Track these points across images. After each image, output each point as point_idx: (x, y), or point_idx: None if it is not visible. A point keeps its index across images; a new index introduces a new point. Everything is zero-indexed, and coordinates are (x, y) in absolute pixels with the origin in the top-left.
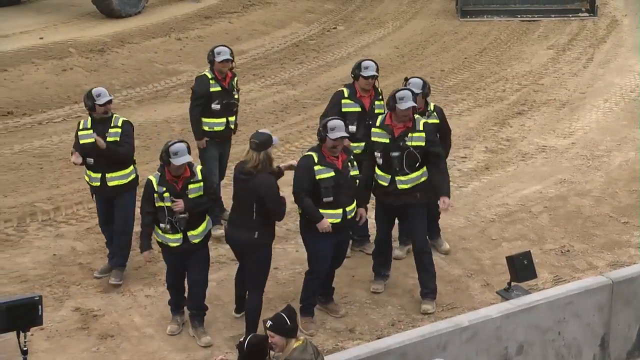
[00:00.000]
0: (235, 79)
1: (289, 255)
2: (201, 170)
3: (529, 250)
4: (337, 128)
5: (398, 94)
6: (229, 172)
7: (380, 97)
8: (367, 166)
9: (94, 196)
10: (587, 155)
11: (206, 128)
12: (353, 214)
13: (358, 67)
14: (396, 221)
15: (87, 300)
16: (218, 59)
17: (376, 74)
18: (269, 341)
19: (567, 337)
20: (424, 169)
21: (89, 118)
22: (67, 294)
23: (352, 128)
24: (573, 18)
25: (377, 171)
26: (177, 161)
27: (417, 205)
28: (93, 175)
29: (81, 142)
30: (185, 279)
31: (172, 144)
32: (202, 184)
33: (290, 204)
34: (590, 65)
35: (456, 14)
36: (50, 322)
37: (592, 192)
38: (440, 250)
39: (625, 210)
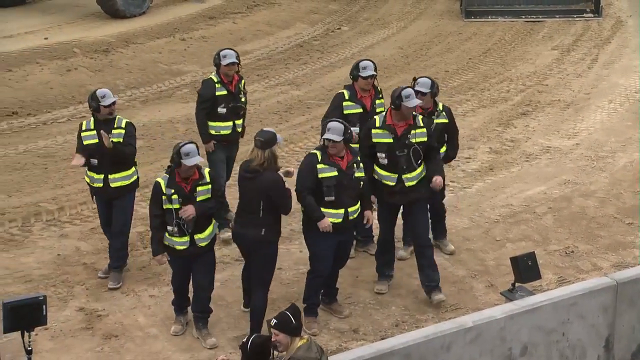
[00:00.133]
0: (243, 81)
1: (292, 256)
2: (209, 173)
3: (533, 251)
4: (332, 130)
5: (404, 92)
6: (234, 173)
7: (380, 95)
8: (366, 169)
9: (94, 198)
10: (591, 156)
11: (213, 132)
12: (356, 215)
13: (356, 67)
14: (397, 222)
15: (92, 300)
16: (224, 62)
17: (375, 73)
18: (273, 340)
19: (571, 338)
20: (423, 163)
21: (92, 119)
22: (71, 294)
23: (355, 129)
24: (577, 19)
25: (381, 172)
26: (188, 162)
27: (421, 200)
28: (96, 176)
29: (85, 142)
30: (190, 282)
31: (183, 145)
32: (210, 186)
33: (295, 204)
34: (594, 66)
35: (460, 15)
36: (55, 322)
37: (597, 193)
38: (444, 251)
39: (629, 211)
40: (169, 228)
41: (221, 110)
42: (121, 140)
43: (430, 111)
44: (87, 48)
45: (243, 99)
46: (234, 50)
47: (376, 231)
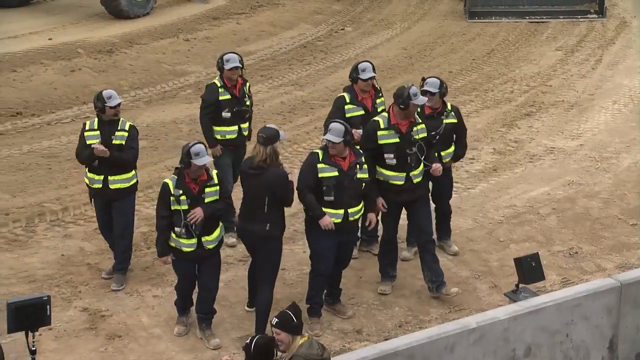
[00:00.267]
0: (247, 85)
1: (296, 256)
2: (217, 174)
3: (537, 252)
4: (332, 131)
5: (412, 91)
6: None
7: (380, 94)
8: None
9: (92, 201)
10: (595, 157)
11: (218, 136)
12: (357, 217)
13: (355, 70)
14: (401, 222)
15: (95, 301)
16: (227, 66)
17: (374, 74)
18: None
19: (575, 339)
20: None
21: (96, 119)
22: (75, 294)
23: (359, 131)
24: (582, 19)
25: (387, 172)
26: (199, 161)
27: (426, 195)
28: (96, 177)
29: (87, 142)
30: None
31: (193, 145)
32: (218, 187)
33: (298, 205)
34: (598, 67)
35: (464, 15)
36: (59, 322)
37: (601, 194)
38: (448, 251)
39: (633, 212)
40: (177, 229)
41: (225, 114)
42: (124, 142)
43: (440, 111)
44: (91, 48)
45: (248, 103)
46: (237, 54)
47: (380, 231)
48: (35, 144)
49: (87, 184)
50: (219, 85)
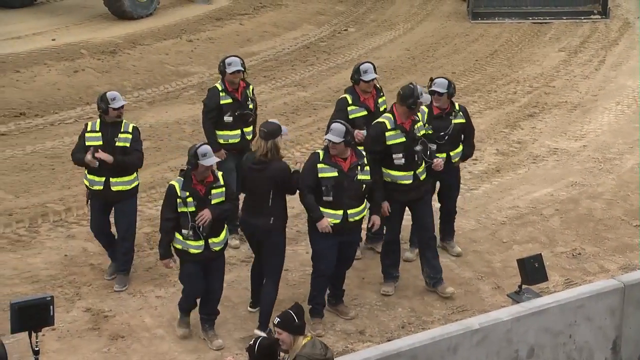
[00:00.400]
0: (251, 88)
1: (299, 257)
2: (222, 176)
3: (540, 253)
4: (332, 131)
5: (419, 90)
6: None
7: (382, 93)
8: (376, 173)
9: (88, 203)
10: (598, 158)
11: (222, 141)
12: (358, 218)
13: (357, 71)
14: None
15: (98, 301)
16: (229, 70)
17: (376, 75)
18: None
19: (578, 340)
20: None
21: (98, 120)
22: (78, 295)
23: (363, 132)
24: (585, 20)
25: (395, 173)
26: (206, 162)
27: (430, 191)
28: (97, 179)
29: (87, 143)
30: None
31: (200, 146)
32: (224, 189)
33: (301, 206)
34: (602, 68)
35: (467, 16)
36: (62, 322)
37: (604, 195)
38: (451, 252)
39: (637, 213)
40: (184, 232)
41: (227, 118)
42: (128, 145)
43: (448, 111)
44: (94, 49)
45: (251, 106)
46: (239, 58)
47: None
48: (39, 145)
49: (86, 186)
50: (220, 89)
